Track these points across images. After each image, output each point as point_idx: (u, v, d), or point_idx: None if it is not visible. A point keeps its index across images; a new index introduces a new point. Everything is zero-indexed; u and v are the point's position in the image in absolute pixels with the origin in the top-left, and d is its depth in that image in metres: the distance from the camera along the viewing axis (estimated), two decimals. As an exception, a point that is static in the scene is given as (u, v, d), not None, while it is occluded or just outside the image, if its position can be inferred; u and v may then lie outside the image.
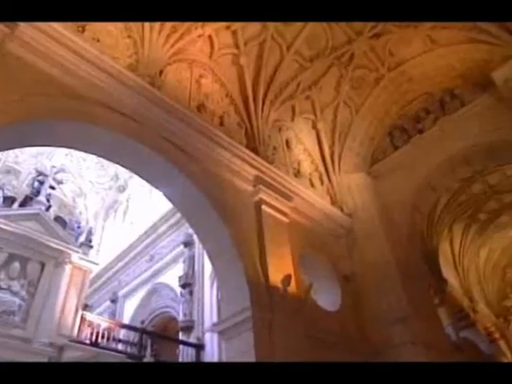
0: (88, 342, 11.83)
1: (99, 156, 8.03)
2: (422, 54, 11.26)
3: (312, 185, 10.84)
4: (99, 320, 13.11)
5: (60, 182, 15.77)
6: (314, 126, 11.92)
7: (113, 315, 17.05)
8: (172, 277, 15.41)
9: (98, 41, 7.42)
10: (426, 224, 12.90)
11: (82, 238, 14.83)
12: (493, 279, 18.24)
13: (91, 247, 14.89)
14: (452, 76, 11.22)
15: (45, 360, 10.33)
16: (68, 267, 12.45)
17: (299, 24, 10.50)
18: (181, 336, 13.76)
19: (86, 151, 7.68)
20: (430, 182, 11.07)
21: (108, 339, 12.48)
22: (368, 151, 12.18)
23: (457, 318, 14.88)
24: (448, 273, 15.30)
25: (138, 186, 18.33)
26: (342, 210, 10.70)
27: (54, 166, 16.17)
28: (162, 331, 16.09)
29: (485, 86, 10.14)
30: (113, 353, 11.87)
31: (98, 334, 12.23)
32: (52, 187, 15.29)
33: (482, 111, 10.20)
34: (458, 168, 11.07)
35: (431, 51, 11.15)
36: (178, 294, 14.83)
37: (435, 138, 10.92)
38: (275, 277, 8.41)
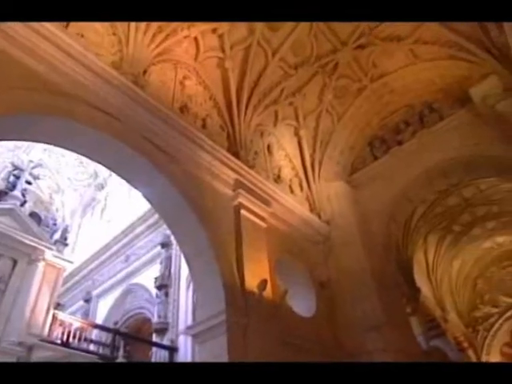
0: (59, 341, 11.63)
1: (80, 154, 7.93)
2: (404, 67, 11.50)
3: (292, 191, 10.92)
4: (71, 319, 12.91)
5: (37, 178, 15.51)
6: (296, 133, 12.03)
7: (86, 315, 16.79)
8: (148, 278, 15.28)
9: (83, 36, 7.34)
10: (401, 234, 13.13)
11: (57, 236, 14.60)
12: (464, 290, 18.66)
13: (66, 245, 14.67)
14: (432, 90, 11.48)
15: (13, 360, 10.11)
16: (41, 265, 12.24)
17: (285, 31, 10.60)
18: (154, 338, 13.64)
19: (66, 148, 7.57)
20: (408, 192, 11.28)
21: (80, 339, 12.29)
22: (348, 160, 12.34)
23: (428, 327, 15.16)
24: (421, 282, 15.57)
25: (117, 184, 18.14)
26: (320, 217, 10.80)
27: (31, 161, 15.89)
28: (135, 332, 15.92)
29: (463, 102, 10.42)
30: (84, 353, 11.69)
31: (69, 333, 12.04)
32: (28, 182, 15.03)
33: (460, 126, 10.46)
34: (434, 180, 11.30)
35: (413, 65, 11.40)
36: (154, 295, 14.71)
37: (414, 150, 11.15)
38: (251, 281, 8.43)
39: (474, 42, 9.84)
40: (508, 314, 18.23)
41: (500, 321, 18.20)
